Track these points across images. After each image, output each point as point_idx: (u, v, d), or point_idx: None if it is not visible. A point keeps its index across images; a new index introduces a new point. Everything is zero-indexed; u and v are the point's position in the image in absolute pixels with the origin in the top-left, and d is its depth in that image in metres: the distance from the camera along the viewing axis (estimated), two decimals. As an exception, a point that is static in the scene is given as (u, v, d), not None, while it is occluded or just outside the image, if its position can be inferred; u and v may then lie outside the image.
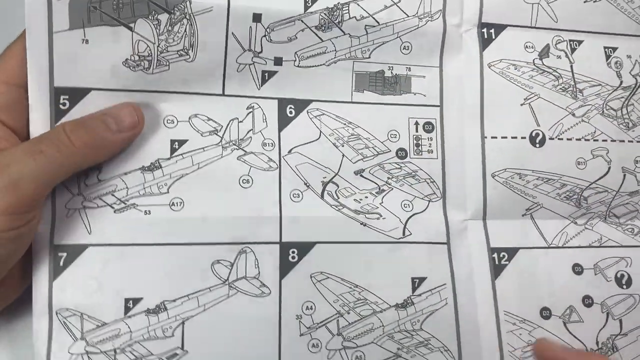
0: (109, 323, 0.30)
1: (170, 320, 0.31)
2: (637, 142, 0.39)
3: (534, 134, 0.38)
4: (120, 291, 0.31)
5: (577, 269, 0.37)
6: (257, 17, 0.34)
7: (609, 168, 0.38)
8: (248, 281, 0.32)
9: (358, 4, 0.35)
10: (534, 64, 0.38)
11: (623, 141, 0.39)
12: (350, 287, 0.34)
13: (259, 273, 0.33)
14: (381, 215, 0.35)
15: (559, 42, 0.39)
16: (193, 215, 0.32)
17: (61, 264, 0.30)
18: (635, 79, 0.39)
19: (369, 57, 0.36)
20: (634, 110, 0.39)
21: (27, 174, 0.27)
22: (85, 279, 0.31)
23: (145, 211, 0.32)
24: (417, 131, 0.37)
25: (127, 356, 0.30)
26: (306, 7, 0.35)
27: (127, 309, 0.31)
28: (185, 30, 0.33)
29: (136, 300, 0.31)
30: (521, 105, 0.38)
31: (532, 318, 0.36)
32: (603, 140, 0.39)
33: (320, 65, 0.36)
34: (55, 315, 0.30)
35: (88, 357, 0.30)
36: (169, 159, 0.33)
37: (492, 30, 0.38)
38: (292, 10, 0.34)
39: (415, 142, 0.37)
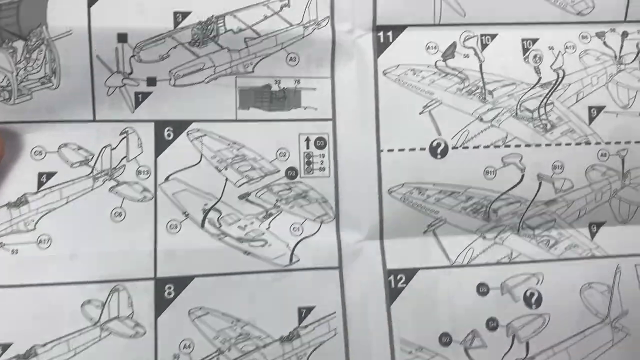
0: (-21, 371, 0.31)
1: (42, 364, 0.31)
2: (556, 145, 0.36)
3: (434, 144, 0.35)
4: (-10, 335, 0.31)
5: (482, 289, 0.35)
6: (122, 37, 0.32)
7: (523, 176, 0.36)
8: (121, 322, 0.32)
9: (234, 16, 0.33)
10: (436, 67, 0.36)
11: (539, 145, 0.36)
12: (232, 322, 0.33)
13: (133, 312, 0.32)
14: (267, 242, 0.34)
15: (468, 39, 0.36)
16: (61, 253, 0.32)
17: None
18: (557, 73, 0.37)
19: (253, 72, 0.34)
20: (554, 110, 0.37)
21: None
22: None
23: (13, 250, 0.32)
24: (308, 148, 0.35)
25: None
26: (176, 23, 0.33)
27: (-3, 355, 0.31)
28: (44, 57, 0.32)
29: (6, 346, 0.31)
30: (420, 113, 0.35)
31: (431, 345, 0.34)
32: (516, 146, 0.36)
33: (199, 82, 0.34)
34: None
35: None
36: (35, 193, 0.32)
37: (390, 33, 0.35)
38: (161, 27, 0.33)
39: (306, 159, 0.35)
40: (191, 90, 0.34)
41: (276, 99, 0.35)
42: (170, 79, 0.34)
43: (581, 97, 0.37)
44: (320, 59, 0.35)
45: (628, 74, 0.37)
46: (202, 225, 0.34)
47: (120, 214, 0.33)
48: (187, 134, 0.34)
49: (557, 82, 0.37)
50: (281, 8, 0.34)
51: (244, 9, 0.34)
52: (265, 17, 0.34)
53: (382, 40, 0.36)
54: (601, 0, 0.36)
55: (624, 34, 0.37)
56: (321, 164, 0.35)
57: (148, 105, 0.34)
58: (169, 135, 0.34)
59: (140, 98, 0.33)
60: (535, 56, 0.36)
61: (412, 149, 0.36)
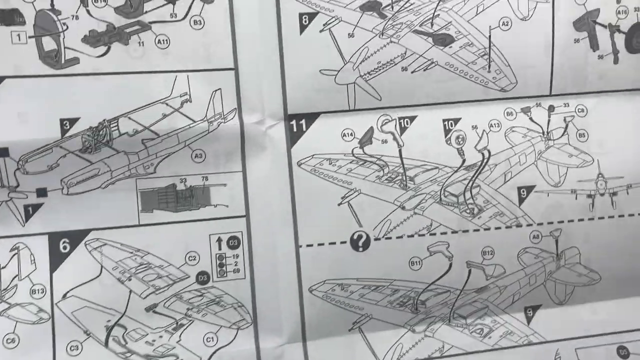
0: None
1: None
2: (485, 230, 0.35)
3: (355, 237, 0.34)
4: None
5: (413, 389, 0.33)
6: (2, 152, 0.30)
7: (451, 264, 0.34)
8: None
9: (129, 118, 0.31)
10: (354, 155, 0.34)
11: (467, 231, 0.34)
12: None
13: None
14: (178, 357, 0.32)
15: (386, 123, 0.34)
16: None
17: None
18: (482, 154, 0.35)
19: (155, 172, 0.32)
20: (480, 193, 0.35)
21: None
22: None
23: None
24: (220, 249, 0.33)
25: None
26: (64, 131, 0.30)
27: None
28: None
29: None
30: (339, 204, 0.33)
31: None
32: (442, 233, 0.34)
33: (95, 189, 0.32)
34: None
35: None
36: None
37: (302, 122, 0.33)
38: (47, 137, 0.30)
39: (218, 262, 0.33)
40: (87, 197, 0.31)
41: (183, 198, 0.33)
42: (62, 188, 0.31)
43: (509, 177, 0.35)
44: (230, 153, 0.33)
45: (558, 150, 0.35)
46: (106, 344, 0.31)
47: (13, 340, 0.30)
48: (86, 245, 0.32)
49: (483, 164, 0.35)
50: (182, 104, 0.32)
51: (139, 110, 0.31)
52: (165, 116, 0.32)
53: (294, 129, 0.33)
54: (524, 75, 0.34)
55: (551, 108, 0.35)
56: (235, 265, 0.33)
57: (40, 217, 0.31)
58: (65, 247, 0.31)
59: (30, 211, 0.31)
60: (458, 137, 0.34)
61: (332, 243, 0.34)
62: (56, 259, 0.31)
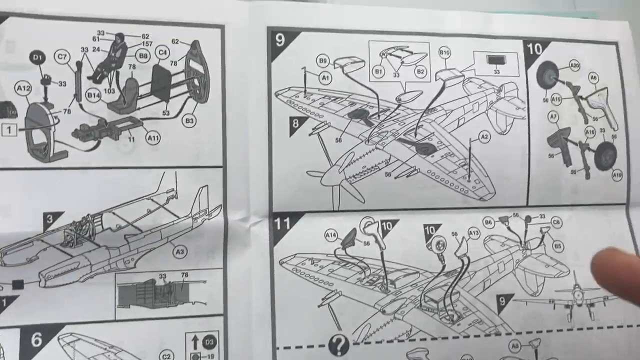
0: None
1: None
2: (464, 337, 0.34)
3: (334, 340, 0.33)
4: None
5: None
6: (-18, 246, 0.29)
7: (429, 371, 0.34)
8: None
9: (114, 213, 0.31)
10: (336, 256, 0.34)
11: (446, 338, 0.34)
12: None
13: None
14: None
15: (369, 225, 0.34)
16: None
17: None
18: (462, 260, 0.35)
19: (135, 267, 0.32)
20: (460, 300, 0.35)
21: None
22: None
23: None
24: (195, 348, 0.32)
25: None
26: (46, 225, 0.30)
27: None
28: None
29: None
30: (319, 306, 0.33)
31: None
32: (421, 340, 0.34)
33: (73, 282, 0.31)
34: None
35: None
36: None
37: (287, 220, 0.34)
38: (28, 231, 0.30)
39: (193, 362, 0.32)
40: (64, 290, 0.31)
41: (161, 294, 0.32)
42: (40, 281, 0.31)
43: (488, 285, 0.35)
44: (212, 250, 0.33)
45: (535, 260, 0.36)
46: None
47: None
48: (59, 339, 0.31)
49: (463, 270, 0.35)
50: (167, 200, 0.32)
51: (124, 205, 0.31)
52: (149, 212, 0.32)
53: (279, 227, 0.34)
54: (502, 186, 0.36)
55: (527, 219, 0.36)
56: (210, 366, 0.32)
57: (14, 310, 0.30)
58: (36, 342, 0.30)
59: (4, 303, 0.30)
60: (438, 243, 0.35)
61: (311, 346, 0.33)
62: (26, 354, 0.30)
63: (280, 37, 0.34)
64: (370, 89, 0.35)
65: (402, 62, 0.35)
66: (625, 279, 0.22)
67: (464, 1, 0.44)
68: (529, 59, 0.37)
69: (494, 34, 0.37)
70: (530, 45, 0.37)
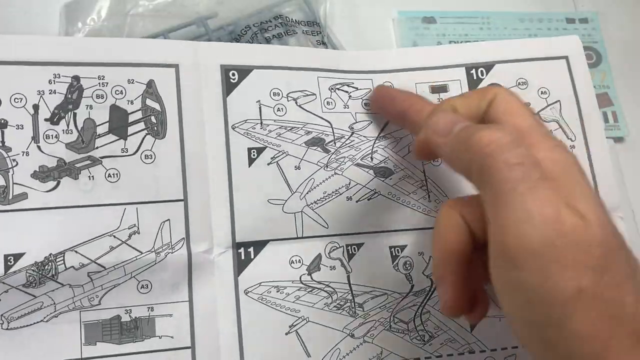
0: None
1: None
2: (437, 357, 0.34)
3: (304, 368, 0.33)
4: None
5: None
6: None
7: (403, 395, 0.33)
8: None
9: (76, 251, 0.32)
10: (302, 282, 0.34)
11: (418, 359, 0.34)
12: None
13: None
14: None
15: (334, 250, 0.35)
16: None
17: None
18: (430, 279, 0.35)
19: (99, 304, 0.32)
20: (430, 319, 0.35)
21: None
22: None
23: None
24: (163, 383, 0.32)
25: None
26: (7, 267, 0.30)
27: None
28: None
29: None
30: (286, 334, 0.33)
31: None
32: (393, 362, 0.34)
33: (38, 322, 0.31)
34: None
35: None
36: None
37: (251, 249, 0.34)
38: (-10, 273, 0.30)
39: (160, 398, 0.31)
40: (28, 331, 0.31)
41: (127, 330, 0.32)
42: (2, 323, 0.31)
43: (457, 302, 0.35)
44: (176, 283, 0.33)
45: (503, 274, 0.36)
46: None
47: None
48: (23, 382, 0.31)
49: (432, 289, 0.35)
50: (130, 236, 0.33)
51: (86, 243, 0.32)
52: (112, 248, 0.32)
53: (242, 257, 0.34)
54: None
55: (493, 234, 0.36)
56: (178, 401, 0.32)
57: (-25, 355, 0.30)
58: (0, 388, 0.30)
59: (-33, 347, 0.30)
60: (405, 263, 0.35)
61: (280, 375, 0.33)
62: (-12, 403, 0.30)
63: (233, 74, 0.35)
64: (324, 119, 0.36)
65: (350, 96, 0.36)
66: (388, 105, 0.34)
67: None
68: (473, 83, 0.38)
69: (436, 65, 0.38)
70: (473, 71, 0.38)
